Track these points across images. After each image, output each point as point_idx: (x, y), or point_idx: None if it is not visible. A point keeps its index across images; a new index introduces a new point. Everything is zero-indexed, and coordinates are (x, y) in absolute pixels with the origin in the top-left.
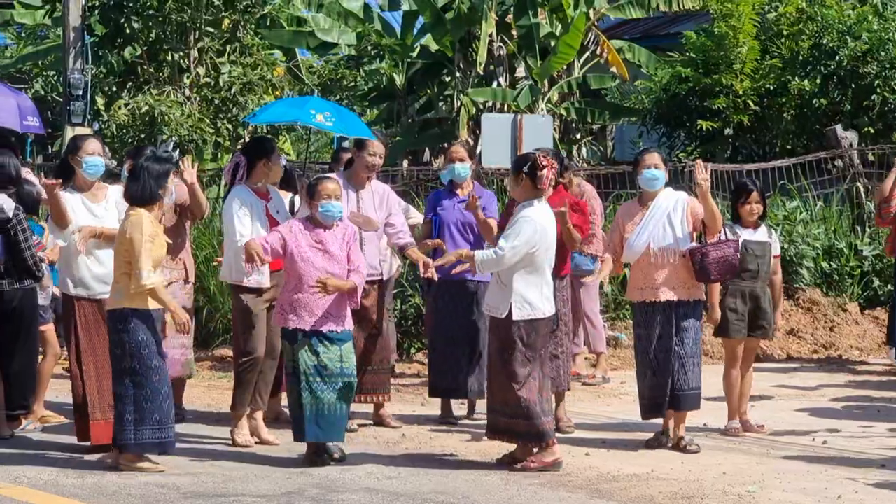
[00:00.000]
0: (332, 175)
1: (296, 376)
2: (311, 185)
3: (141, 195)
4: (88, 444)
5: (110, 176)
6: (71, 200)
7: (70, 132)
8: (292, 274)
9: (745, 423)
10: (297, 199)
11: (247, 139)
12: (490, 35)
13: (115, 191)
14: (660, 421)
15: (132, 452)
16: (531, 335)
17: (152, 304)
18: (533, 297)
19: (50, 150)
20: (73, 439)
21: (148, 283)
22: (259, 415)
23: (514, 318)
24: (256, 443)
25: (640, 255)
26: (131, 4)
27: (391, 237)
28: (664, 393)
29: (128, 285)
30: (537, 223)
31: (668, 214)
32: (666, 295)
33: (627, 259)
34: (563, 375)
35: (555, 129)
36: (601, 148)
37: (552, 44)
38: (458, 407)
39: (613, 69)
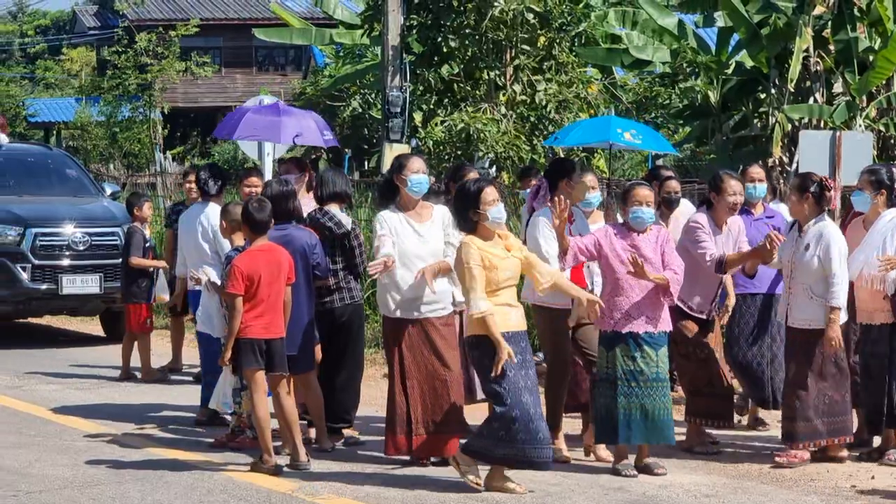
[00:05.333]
0: (644, 182)
1: (609, 381)
2: (624, 191)
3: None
4: (408, 457)
5: (431, 194)
6: (393, 220)
7: (388, 149)
8: (609, 278)
9: None
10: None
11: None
12: (806, 50)
13: (441, 211)
14: None
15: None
16: None
17: (505, 327)
18: None
19: (367, 167)
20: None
21: (475, 313)
22: (560, 435)
23: None
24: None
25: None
26: (449, 24)
27: None
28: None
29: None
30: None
31: (885, 238)
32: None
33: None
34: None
35: (872, 146)
36: None
37: (870, 58)
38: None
39: None
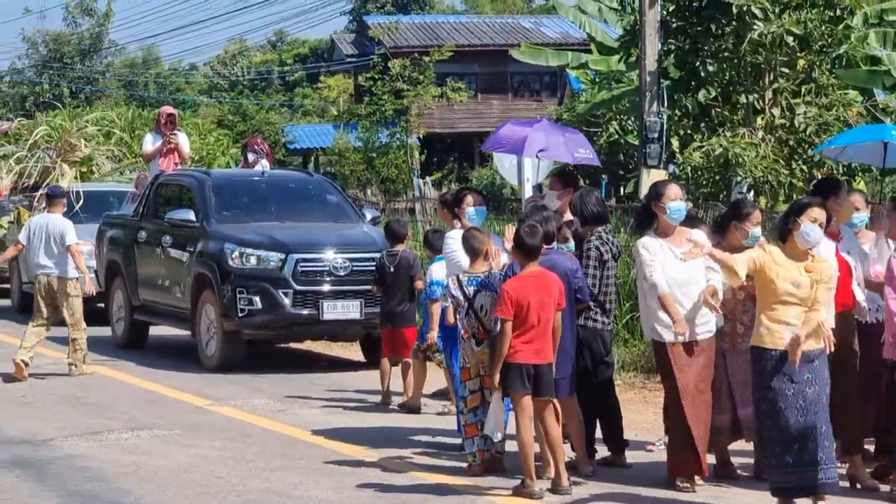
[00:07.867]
0: None
1: None
2: None
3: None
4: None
5: (688, 219)
6: (656, 246)
7: (646, 174)
8: None
9: None
10: None
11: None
12: None
13: (699, 235)
14: None
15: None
16: None
17: (774, 344)
18: None
19: (622, 192)
20: (654, 474)
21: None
22: (858, 459)
23: None
24: (859, 488)
25: None
26: (706, 48)
27: None
28: None
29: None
30: None
31: None
32: None
33: None
34: None
35: None
36: None
37: None
38: None
39: None
